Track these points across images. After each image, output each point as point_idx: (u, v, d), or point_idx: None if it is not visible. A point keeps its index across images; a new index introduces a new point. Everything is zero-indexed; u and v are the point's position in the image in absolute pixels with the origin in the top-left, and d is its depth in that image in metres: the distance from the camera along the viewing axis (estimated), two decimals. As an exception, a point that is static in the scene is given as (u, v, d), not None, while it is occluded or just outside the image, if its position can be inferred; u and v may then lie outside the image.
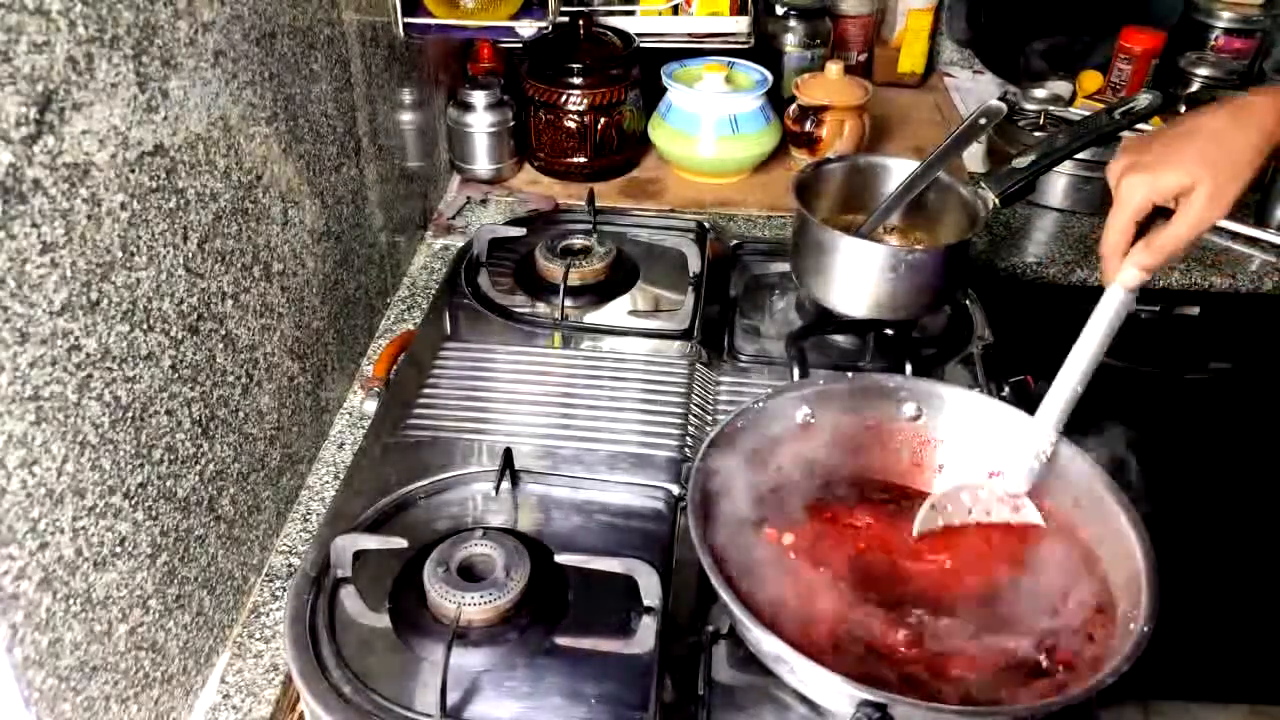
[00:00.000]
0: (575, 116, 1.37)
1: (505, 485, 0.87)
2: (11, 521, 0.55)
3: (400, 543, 0.78)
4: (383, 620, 0.76)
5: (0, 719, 0.56)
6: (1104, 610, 0.73)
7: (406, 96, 1.21)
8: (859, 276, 1.02)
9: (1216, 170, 0.75)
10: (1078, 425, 0.81)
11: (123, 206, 0.63)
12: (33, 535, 0.57)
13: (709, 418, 0.97)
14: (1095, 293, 0.81)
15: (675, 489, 0.88)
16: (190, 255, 0.71)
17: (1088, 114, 1.09)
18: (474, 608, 0.73)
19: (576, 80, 1.36)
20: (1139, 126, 1.01)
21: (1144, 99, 0.98)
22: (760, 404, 0.84)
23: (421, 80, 1.27)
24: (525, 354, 1.04)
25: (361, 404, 1.02)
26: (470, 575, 0.76)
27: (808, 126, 1.44)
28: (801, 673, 0.66)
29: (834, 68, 1.44)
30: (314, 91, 0.92)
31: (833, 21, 1.65)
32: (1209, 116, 0.77)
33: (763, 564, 0.77)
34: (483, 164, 1.41)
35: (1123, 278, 0.79)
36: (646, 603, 0.76)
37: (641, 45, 1.41)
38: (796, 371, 1.00)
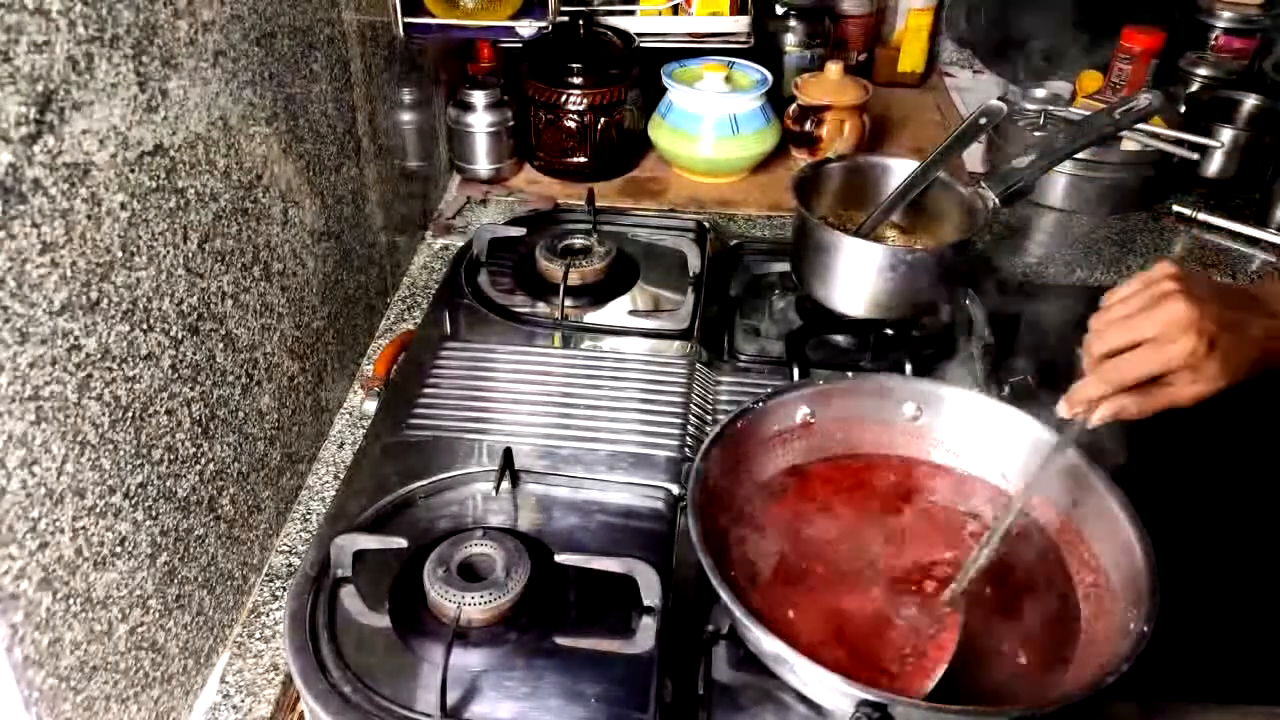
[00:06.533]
0: (575, 116, 1.37)
1: (505, 485, 0.87)
2: (11, 521, 0.55)
3: (400, 542, 0.78)
4: (383, 620, 0.76)
5: (0, 719, 0.56)
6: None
7: (406, 96, 1.21)
8: (859, 276, 1.02)
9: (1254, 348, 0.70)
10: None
11: (123, 206, 0.63)
12: (33, 535, 0.57)
13: (709, 418, 0.97)
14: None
15: (675, 489, 0.88)
16: (190, 255, 0.71)
17: (1088, 114, 1.09)
18: (474, 608, 0.73)
19: (576, 80, 1.36)
20: (1138, 126, 1.01)
21: (1144, 99, 0.98)
22: (760, 404, 0.84)
23: (421, 80, 1.27)
24: (525, 354, 1.04)
25: (361, 404, 1.02)
26: (470, 575, 0.76)
27: (808, 126, 1.44)
28: (801, 673, 0.65)
29: (834, 68, 1.44)
30: (314, 91, 0.92)
31: (833, 21, 1.65)
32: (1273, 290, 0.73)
33: (763, 563, 0.77)
34: (483, 164, 1.41)
35: (1103, 416, 0.73)
36: (646, 603, 0.76)
37: (641, 45, 1.41)
38: (796, 371, 1.00)
